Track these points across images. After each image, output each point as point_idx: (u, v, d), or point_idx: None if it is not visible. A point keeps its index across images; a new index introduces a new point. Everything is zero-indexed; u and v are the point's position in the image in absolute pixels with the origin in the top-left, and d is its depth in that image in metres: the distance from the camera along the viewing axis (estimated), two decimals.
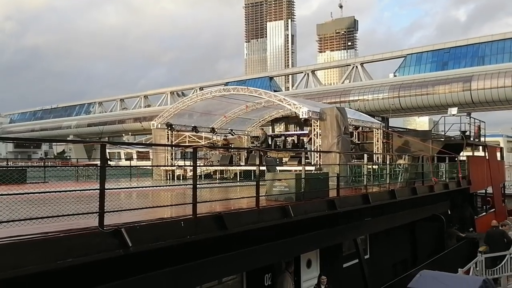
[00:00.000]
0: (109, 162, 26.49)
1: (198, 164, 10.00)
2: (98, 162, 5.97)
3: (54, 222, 5.08)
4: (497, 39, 76.30)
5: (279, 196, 8.93)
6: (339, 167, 11.69)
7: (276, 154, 18.17)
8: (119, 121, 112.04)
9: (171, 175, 19.94)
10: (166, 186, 13.30)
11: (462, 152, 20.99)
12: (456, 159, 18.68)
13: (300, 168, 14.22)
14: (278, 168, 12.86)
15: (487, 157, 22.73)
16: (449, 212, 19.00)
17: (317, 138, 15.93)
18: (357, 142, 20.39)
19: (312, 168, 14.55)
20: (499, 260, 13.32)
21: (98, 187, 5.21)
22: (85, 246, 4.92)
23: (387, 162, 14.87)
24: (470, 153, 21.79)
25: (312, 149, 16.54)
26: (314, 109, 15.90)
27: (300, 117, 15.88)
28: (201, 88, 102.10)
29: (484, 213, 22.57)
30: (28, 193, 5.25)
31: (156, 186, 12.53)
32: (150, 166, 24.44)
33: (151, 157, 29.66)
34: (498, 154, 26.59)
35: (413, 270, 13.77)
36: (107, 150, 34.56)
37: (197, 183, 6.70)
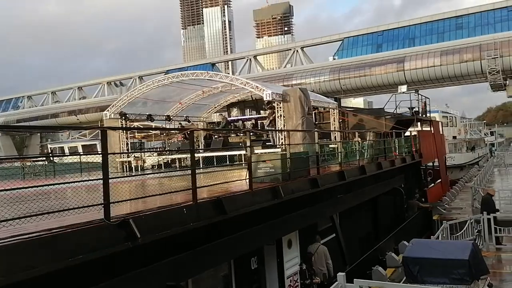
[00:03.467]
0: (52, 158, 24.87)
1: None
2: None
3: (51, 219, 4.55)
4: (426, 21, 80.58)
5: (265, 178, 8.76)
6: (311, 146, 11.71)
7: (239, 139, 17.96)
8: (52, 115, 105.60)
9: (127, 167, 19.08)
10: (162, 172, 12.58)
11: (411, 128, 22.04)
12: (409, 134, 19.55)
13: (265, 150, 14.24)
14: (258, 150, 12.65)
15: (432, 132, 24.06)
16: (403, 185, 19.96)
17: (281, 119, 15.89)
18: (315, 122, 20.66)
19: (279, 150, 14.53)
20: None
21: (101, 178, 4.73)
22: (94, 241, 4.47)
23: (356, 140, 15.16)
24: (418, 129, 22.91)
25: (277, 133, 16.46)
26: (277, 91, 15.82)
27: (265, 99, 15.74)
28: (140, 77, 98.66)
29: (433, 184, 23.93)
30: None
31: (159, 172, 11.66)
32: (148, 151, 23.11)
33: (98, 150, 28.24)
34: (440, 129, 28.26)
35: (382, 242, 14.35)
36: (49, 146, 32.41)
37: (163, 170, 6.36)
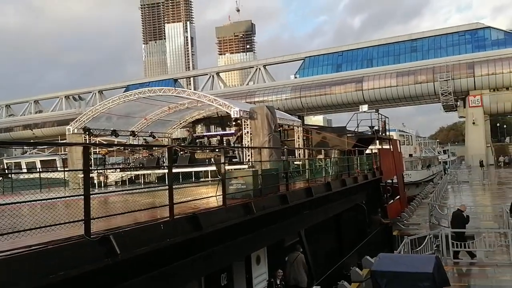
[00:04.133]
0: (10, 175, 23.77)
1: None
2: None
3: (29, 236, 4.49)
4: (383, 43, 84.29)
5: (236, 194, 8.89)
6: (281, 163, 11.98)
7: (206, 155, 18.01)
8: (5, 129, 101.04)
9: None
10: (146, 188, 12.35)
11: (371, 146, 22.87)
12: (370, 151, 20.28)
13: (235, 167, 14.37)
14: (228, 167, 12.74)
15: (392, 150, 25.06)
16: (364, 202, 20.59)
17: (247, 136, 16.12)
18: (281, 140, 21.05)
19: (245, 166, 14.70)
20: (461, 237, 14.71)
21: (82, 194, 4.73)
22: (75, 258, 4.45)
23: (321, 157, 15.59)
24: (378, 146, 23.79)
25: (244, 149, 16.66)
26: (245, 108, 16.08)
27: (232, 116, 15.93)
28: (100, 92, 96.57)
29: (392, 201, 24.79)
30: None
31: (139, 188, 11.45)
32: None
33: (58, 165, 27.29)
34: (398, 146, 29.44)
35: (346, 258, 14.71)
36: (5, 161, 30.97)
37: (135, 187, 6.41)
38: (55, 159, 27.24)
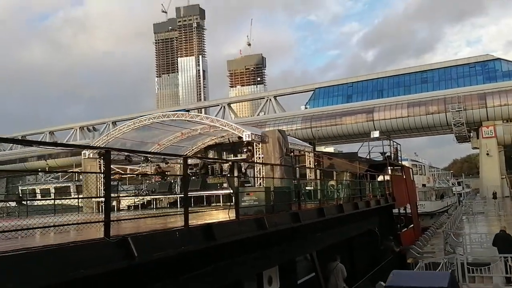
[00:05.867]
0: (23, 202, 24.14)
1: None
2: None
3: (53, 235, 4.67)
4: (393, 75, 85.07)
5: (248, 210, 8.99)
6: (291, 182, 12.08)
7: (218, 180, 18.18)
8: (20, 159, 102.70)
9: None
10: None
11: (382, 174, 22.77)
12: (382, 178, 20.22)
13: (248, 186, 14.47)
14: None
15: (404, 177, 24.92)
16: (377, 228, 20.36)
17: (260, 160, 16.29)
18: (292, 165, 21.17)
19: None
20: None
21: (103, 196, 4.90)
22: (94, 257, 4.58)
23: (332, 183, 15.62)
24: (390, 173, 23.67)
25: (255, 172, 16.81)
26: (256, 132, 16.34)
27: (244, 140, 16.18)
28: (113, 123, 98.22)
29: (406, 229, 24.45)
30: None
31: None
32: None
33: (72, 191, 27.65)
34: (411, 174, 29.25)
35: (360, 282, 14.48)
36: (20, 188, 31.48)
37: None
38: (69, 186, 27.66)
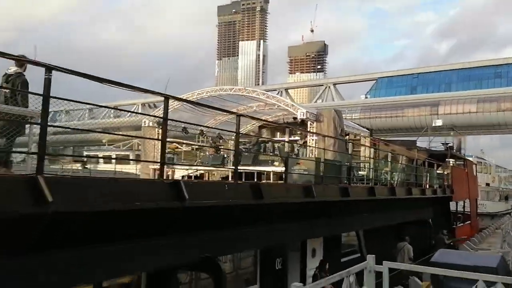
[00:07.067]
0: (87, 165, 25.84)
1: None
2: None
3: None
4: (464, 67, 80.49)
5: (298, 180, 9.07)
6: (344, 156, 11.96)
7: (270, 157, 18.35)
8: (86, 130, 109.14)
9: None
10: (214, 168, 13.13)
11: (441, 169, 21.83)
12: (442, 170, 19.41)
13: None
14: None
15: (466, 171, 23.75)
16: (431, 220, 19.64)
17: (313, 139, 16.23)
18: (346, 147, 20.84)
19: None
20: None
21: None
22: (149, 193, 4.91)
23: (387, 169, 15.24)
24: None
25: (307, 153, 16.77)
26: (311, 110, 16.26)
27: (298, 118, 16.16)
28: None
29: (462, 224, 23.42)
30: None
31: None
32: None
33: (131, 158, 29.13)
34: (474, 170, 27.81)
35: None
36: (85, 153, 33.72)
37: None
38: (129, 154, 29.20)
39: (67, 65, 4.32)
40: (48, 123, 4.19)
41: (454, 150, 22.28)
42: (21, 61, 4.45)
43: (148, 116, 19.76)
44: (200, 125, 21.45)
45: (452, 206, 23.54)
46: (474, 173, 27.31)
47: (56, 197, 3.88)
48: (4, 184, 3.75)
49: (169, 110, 18.06)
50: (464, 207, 25.04)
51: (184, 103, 19.05)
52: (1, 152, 4.93)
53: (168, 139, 5.95)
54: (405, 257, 13.86)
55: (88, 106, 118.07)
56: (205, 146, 21.76)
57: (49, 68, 4.07)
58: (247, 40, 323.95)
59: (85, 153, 32.10)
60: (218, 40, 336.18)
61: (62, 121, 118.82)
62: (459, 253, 7.69)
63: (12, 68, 5.97)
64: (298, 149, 19.90)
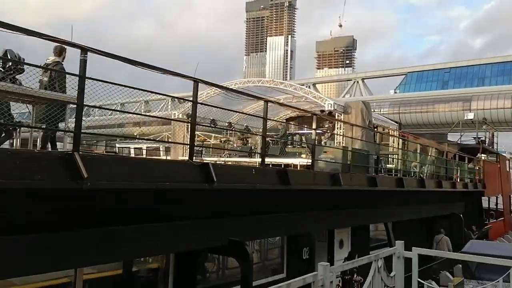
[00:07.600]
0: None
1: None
2: None
3: None
4: (498, 62, 77.73)
5: (324, 168, 9.06)
6: (373, 146, 11.84)
7: (297, 149, 18.37)
8: (118, 125, 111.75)
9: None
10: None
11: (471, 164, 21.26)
12: (473, 165, 18.91)
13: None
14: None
15: (499, 166, 23.04)
16: (462, 214, 19.18)
17: (340, 131, 16.11)
18: (374, 140, 20.59)
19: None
20: None
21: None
22: (178, 174, 5.04)
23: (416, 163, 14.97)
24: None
25: (335, 145, 16.65)
26: (339, 102, 16.14)
27: (325, 109, 16.08)
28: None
29: (494, 220, 22.77)
30: None
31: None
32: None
33: (161, 150, 29.69)
34: (507, 165, 26.93)
35: (436, 263, 13.89)
36: (117, 145, 34.52)
37: None
38: (159, 147, 29.73)
39: (99, 60, 4.50)
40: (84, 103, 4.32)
41: (486, 144, 21.61)
42: (58, 41, 4.66)
43: (177, 110, 20.02)
44: (229, 110, 21.73)
45: (485, 203, 22.93)
46: (507, 169, 26.45)
47: (91, 174, 4.06)
48: (43, 160, 3.95)
49: (205, 97, 18.30)
50: (496, 204, 24.32)
51: (211, 96, 19.34)
52: (42, 129, 5.18)
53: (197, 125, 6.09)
54: (444, 249, 13.94)
55: (119, 101, 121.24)
56: (235, 130, 21.93)
57: (84, 49, 4.25)
58: (275, 35, 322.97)
59: (117, 146, 32.82)
60: (246, 35, 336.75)
61: (95, 115, 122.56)
62: (489, 243, 7.53)
63: (51, 58, 6.27)
64: (325, 142, 19.84)
